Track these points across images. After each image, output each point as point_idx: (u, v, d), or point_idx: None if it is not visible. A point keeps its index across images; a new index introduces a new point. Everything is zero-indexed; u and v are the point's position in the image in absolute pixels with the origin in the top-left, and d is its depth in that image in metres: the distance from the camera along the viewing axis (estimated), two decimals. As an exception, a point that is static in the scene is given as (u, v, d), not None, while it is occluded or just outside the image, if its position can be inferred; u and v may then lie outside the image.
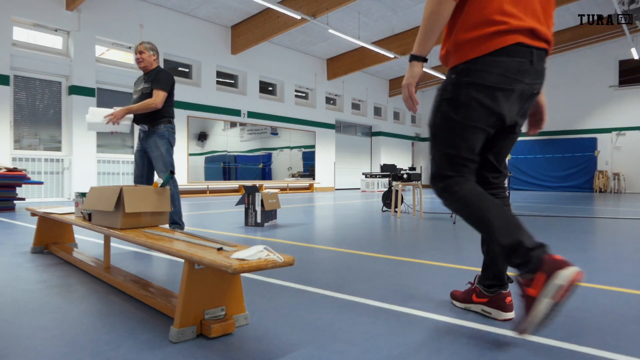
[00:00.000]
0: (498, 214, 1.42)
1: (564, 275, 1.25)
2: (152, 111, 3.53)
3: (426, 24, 1.47)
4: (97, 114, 3.50)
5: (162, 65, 10.48)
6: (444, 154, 1.56)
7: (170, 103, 3.65)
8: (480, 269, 2.48)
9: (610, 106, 15.61)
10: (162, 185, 2.11)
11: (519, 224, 1.40)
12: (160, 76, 3.54)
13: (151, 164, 3.67)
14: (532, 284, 1.30)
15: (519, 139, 17.47)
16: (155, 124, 3.59)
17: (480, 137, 1.54)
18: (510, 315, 1.63)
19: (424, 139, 20.82)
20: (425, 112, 20.80)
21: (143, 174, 3.67)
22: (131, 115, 3.55)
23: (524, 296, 1.32)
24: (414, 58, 1.54)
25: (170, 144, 3.64)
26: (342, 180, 16.85)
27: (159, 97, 3.49)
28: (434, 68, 16.83)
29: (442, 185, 1.56)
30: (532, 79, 1.49)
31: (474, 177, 1.59)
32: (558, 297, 1.25)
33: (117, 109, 3.49)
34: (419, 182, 6.07)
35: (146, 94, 3.55)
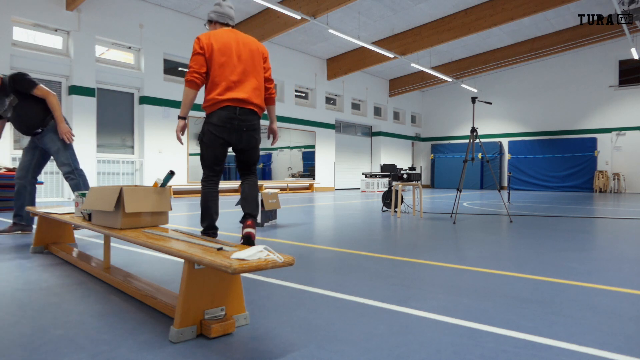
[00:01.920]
0: (209, 209, 2.87)
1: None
2: (36, 114, 3.62)
3: (184, 102, 2.86)
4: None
5: (161, 65, 10.48)
6: (203, 159, 2.94)
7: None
8: (478, 268, 2.49)
9: (610, 106, 15.61)
10: (162, 185, 2.11)
11: (211, 216, 2.87)
12: (20, 83, 3.54)
13: (40, 160, 3.78)
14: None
15: (519, 138, 17.49)
16: (44, 123, 3.69)
17: (217, 152, 2.91)
18: (248, 230, 2.89)
19: (424, 139, 20.83)
20: (424, 112, 20.80)
21: (29, 168, 3.73)
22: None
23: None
24: (180, 117, 2.93)
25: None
26: (342, 180, 16.85)
27: (45, 90, 3.60)
28: (434, 68, 16.83)
29: (203, 177, 2.96)
30: (239, 121, 2.88)
31: (219, 176, 2.99)
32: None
33: (64, 133, 3.69)
34: (419, 182, 6.07)
35: (19, 105, 3.58)
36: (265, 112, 3.31)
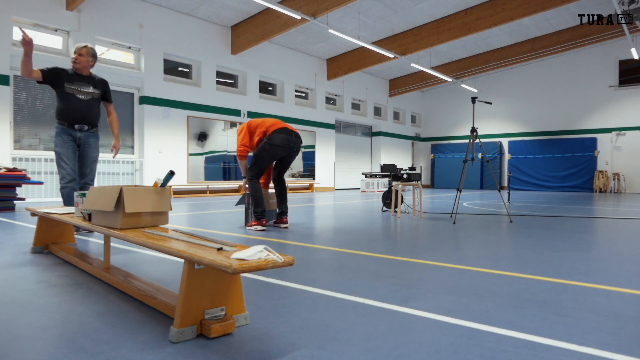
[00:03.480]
0: (262, 199, 4.15)
1: (257, 226, 4.16)
2: (97, 116, 3.98)
3: (242, 168, 4.30)
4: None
5: (161, 65, 10.49)
6: (257, 166, 4.14)
7: None
8: (478, 268, 2.49)
9: (610, 106, 15.61)
10: (162, 185, 2.11)
11: (262, 203, 4.15)
12: (109, 89, 4.06)
13: (79, 160, 3.96)
14: (254, 222, 4.18)
15: (519, 138, 17.51)
16: (95, 125, 3.99)
17: (269, 164, 4.17)
18: (262, 228, 4.14)
19: (424, 139, 20.83)
20: (424, 112, 20.80)
21: (76, 170, 3.89)
22: None
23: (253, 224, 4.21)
24: (244, 177, 4.33)
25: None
26: (342, 180, 16.85)
27: (114, 112, 4.18)
28: (434, 68, 16.82)
29: (250, 177, 4.16)
30: (293, 143, 4.21)
31: (261, 177, 4.32)
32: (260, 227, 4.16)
33: (115, 149, 4.11)
34: (419, 182, 6.07)
35: (96, 99, 3.95)
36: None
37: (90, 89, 3.89)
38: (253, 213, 4.18)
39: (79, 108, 3.83)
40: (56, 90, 3.79)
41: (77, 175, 3.85)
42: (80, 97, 3.84)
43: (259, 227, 4.13)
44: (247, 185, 4.17)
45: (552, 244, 3.46)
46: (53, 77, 3.76)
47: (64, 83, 3.77)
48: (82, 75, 3.89)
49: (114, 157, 4.24)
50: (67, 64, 8.88)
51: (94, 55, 3.89)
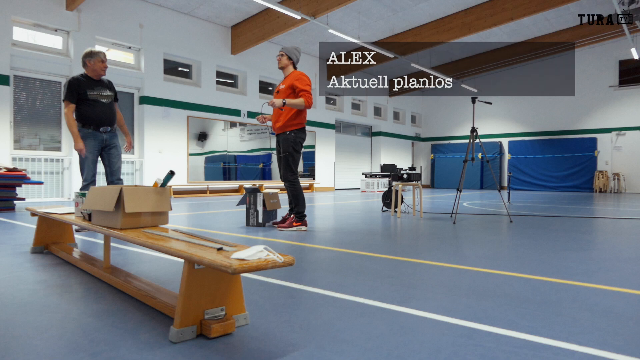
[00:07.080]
0: (304, 198, 4.22)
1: (302, 227, 4.19)
2: (115, 115, 4.15)
3: (294, 105, 4.01)
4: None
5: (161, 65, 10.49)
6: (295, 162, 4.22)
7: None
8: (478, 268, 2.49)
9: (610, 106, 15.61)
10: (162, 185, 2.11)
11: (304, 203, 4.22)
12: (115, 90, 4.24)
13: (108, 159, 4.11)
14: (296, 223, 4.18)
15: (519, 138, 17.51)
16: (114, 125, 4.19)
17: (300, 157, 4.30)
18: (306, 228, 4.22)
19: (424, 139, 20.83)
20: (424, 112, 20.80)
21: (96, 173, 4.05)
22: None
23: (291, 224, 4.19)
24: (283, 104, 3.97)
25: None
26: (342, 180, 16.85)
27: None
28: (434, 68, 16.81)
29: (293, 177, 4.20)
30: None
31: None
32: (300, 229, 4.17)
33: (130, 145, 4.31)
34: (419, 182, 6.07)
35: (112, 103, 4.15)
36: (277, 130, 4.44)
37: (108, 92, 4.10)
38: (296, 213, 4.18)
39: (103, 111, 4.02)
40: (79, 99, 3.95)
41: (95, 177, 4.02)
42: (103, 101, 4.04)
43: (303, 228, 4.19)
44: (273, 103, 3.93)
45: (552, 244, 3.46)
46: (78, 95, 3.94)
47: (86, 91, 3.95)
48: (97, 80, 4.08)
49: (127, 151, 4.41)
50: (66, 64, 8.88)
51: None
